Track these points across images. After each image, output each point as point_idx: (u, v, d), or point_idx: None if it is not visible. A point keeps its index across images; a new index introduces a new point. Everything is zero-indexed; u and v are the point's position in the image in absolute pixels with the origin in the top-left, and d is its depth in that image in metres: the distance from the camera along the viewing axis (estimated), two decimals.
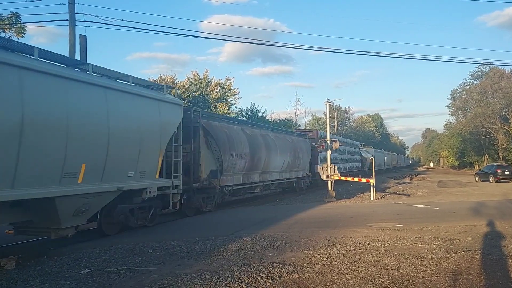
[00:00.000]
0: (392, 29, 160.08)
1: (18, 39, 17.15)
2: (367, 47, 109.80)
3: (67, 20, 15.30)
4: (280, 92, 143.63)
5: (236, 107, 41.34)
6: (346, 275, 5.71)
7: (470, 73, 60.12)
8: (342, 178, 20.15)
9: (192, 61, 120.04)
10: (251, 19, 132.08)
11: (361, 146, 47.53)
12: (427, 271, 5.84)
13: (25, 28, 17.20)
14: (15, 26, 16.84)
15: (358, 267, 6.12)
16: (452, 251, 7.02)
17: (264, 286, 5.32)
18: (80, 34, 15.54)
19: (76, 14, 15.39)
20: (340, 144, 27.51)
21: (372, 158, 42.71)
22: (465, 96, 60.52)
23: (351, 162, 37.52)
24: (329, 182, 18.83)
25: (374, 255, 6.81)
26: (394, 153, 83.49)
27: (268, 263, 6.42)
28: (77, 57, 15.49)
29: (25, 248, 8.57)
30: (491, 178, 29.34)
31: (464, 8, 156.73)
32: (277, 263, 6.40)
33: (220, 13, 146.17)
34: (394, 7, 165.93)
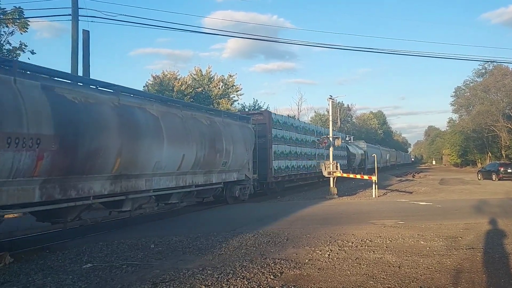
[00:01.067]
0: (395, 26, 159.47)
1: (21, 34, 17.24)
2: (370, 44, 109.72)
3: (70, 15, 15.33)
4: (282, 89, 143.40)
5: (238, 103, 41.26)
6: (348, 272, 5.71)
7: (473, 71, 59.83)
8: (344, 174, 20.12)
9: (195, 57, 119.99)
10: (255, 15, 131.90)
11: (349, 139, 39.40)
12: (429, 268, 5.84)
13: (28, 23, 17.22)
14: (18, 21, 16.86)
15: (360, 264, 6.12)
16: (454, 249, 7.01)
17: (265, 282, 5.33)
18: (83, 29, 15.58)
19: (79, 9, 15.42)
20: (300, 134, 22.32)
21: (364, 155, 40.76)
22: (468, 93, 60.28)
23: (334, 158, 29.49)
24: (331, 179, 18.84)
25: (376, 252, 6.81)
26: (394, 149, 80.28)
27: (269, 259, 6.43)
28: (80, 52, 15.54)
29: (28, 243, 8.60)
30: (493, 176, 29.27)
31: (468, 5, 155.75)
32: (278, 259, 6.41)
33: (223, 9, 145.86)
34: (397, 4, 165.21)
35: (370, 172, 28.92)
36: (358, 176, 20.89)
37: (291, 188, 24.09)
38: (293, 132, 22.18)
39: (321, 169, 25.07)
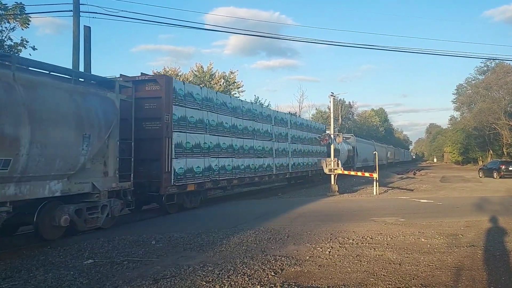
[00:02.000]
0: (398, 23, 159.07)
1: (23, 29, 17.23)
2: (372, 41, 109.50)
3: (71, 11, 15.28)
4: (284, 86, 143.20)
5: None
6: (348, 269, 5.71)
7: (475, 68, 59.77)
8: (345, 172, 20.04)
9: (197, 53, 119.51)
10: (257, 12, 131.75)
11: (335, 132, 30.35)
12: (429, 265, 5.84)
13: (30, 19, 17.20)
14: (20, 17, 16.83)
15: (361, 261, 6.13)
16: (455, 246, 7.01)
17: (266, 278, 5.34)
18: (84, 25, 15.53)
19: (80, 5, 15.38)
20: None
21: (352, 151, 38.06)
22: (470, 91, 60.07)
23: (304, 155, 23.12)
24: (332, 176, 18.83)
25: (377, 249, 6.81)
26: (392, 146, 77.54)
27: (270, 256, 6.44)
28: (81, 48, 15.51)
29: (29, 238, 8.62)
30: (495, 174, 29.23)
31: (470, 3, 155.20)
32: (279, 256, 6.42)
33: (226, 5, 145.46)
34: (399, 1, 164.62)
35: (365, 170, 27.21)
36: (359, 174, 20.94)
37: (225, 198, 16.92)
38: (226, 116, 15.07)
39: (283, 171, 20.35)
